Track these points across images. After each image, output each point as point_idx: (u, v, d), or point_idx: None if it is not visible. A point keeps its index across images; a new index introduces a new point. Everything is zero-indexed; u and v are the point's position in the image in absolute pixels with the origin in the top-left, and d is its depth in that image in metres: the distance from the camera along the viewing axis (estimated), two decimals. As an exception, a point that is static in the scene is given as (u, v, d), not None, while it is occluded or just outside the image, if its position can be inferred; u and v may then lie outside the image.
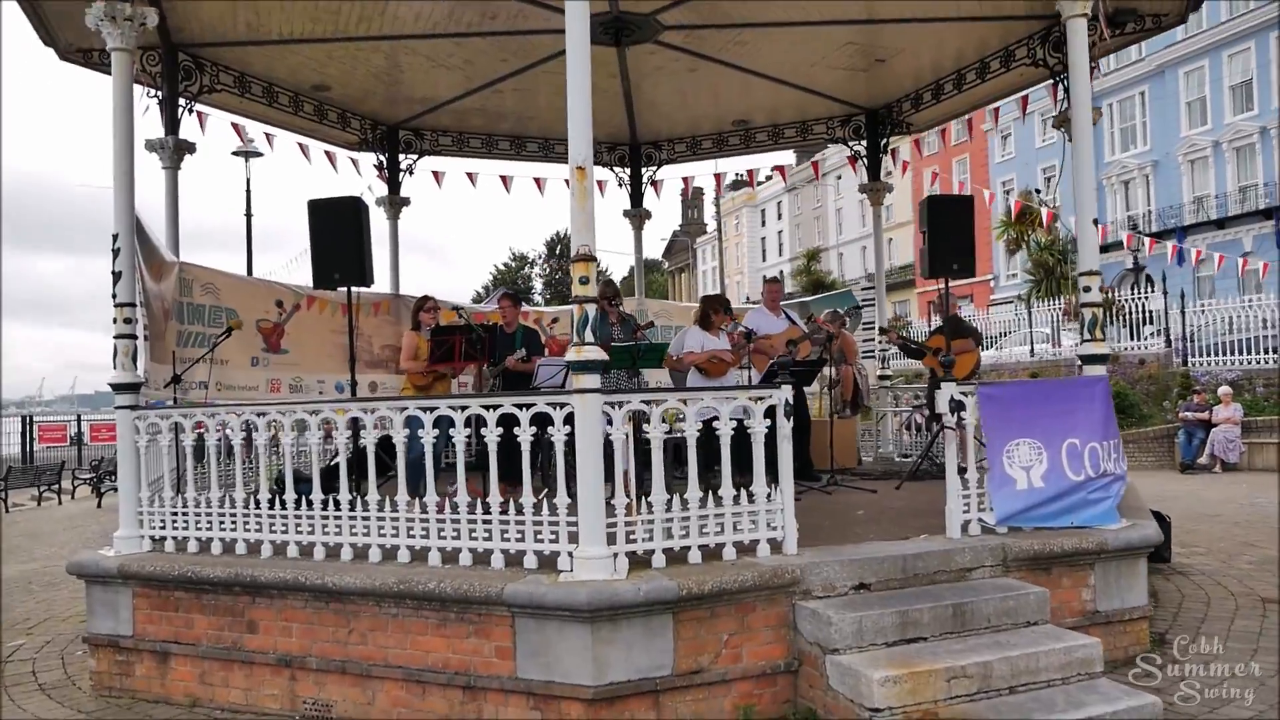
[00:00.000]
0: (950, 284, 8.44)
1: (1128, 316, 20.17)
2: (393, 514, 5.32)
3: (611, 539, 4.73)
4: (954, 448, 5.56)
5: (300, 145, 10.35)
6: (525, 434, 4.90)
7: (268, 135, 10.05)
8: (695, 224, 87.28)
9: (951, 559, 5.24)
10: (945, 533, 5.56)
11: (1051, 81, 9.07)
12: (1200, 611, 6.43)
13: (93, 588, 6.20)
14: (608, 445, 4.80)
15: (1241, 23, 35.09)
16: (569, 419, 4.79)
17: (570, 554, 4.74)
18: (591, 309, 4.72)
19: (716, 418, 5.04)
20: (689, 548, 4.90)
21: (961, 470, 5.58)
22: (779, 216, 71.49)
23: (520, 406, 4.90)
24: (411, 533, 5.26)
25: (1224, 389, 15.76)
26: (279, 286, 9.94)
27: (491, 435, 4.97)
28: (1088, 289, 6.14)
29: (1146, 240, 19.35)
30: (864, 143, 11.58)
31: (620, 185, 12.76)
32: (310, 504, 5.56)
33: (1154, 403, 17.13)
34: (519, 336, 7.94)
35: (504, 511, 5.01)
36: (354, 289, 7.96)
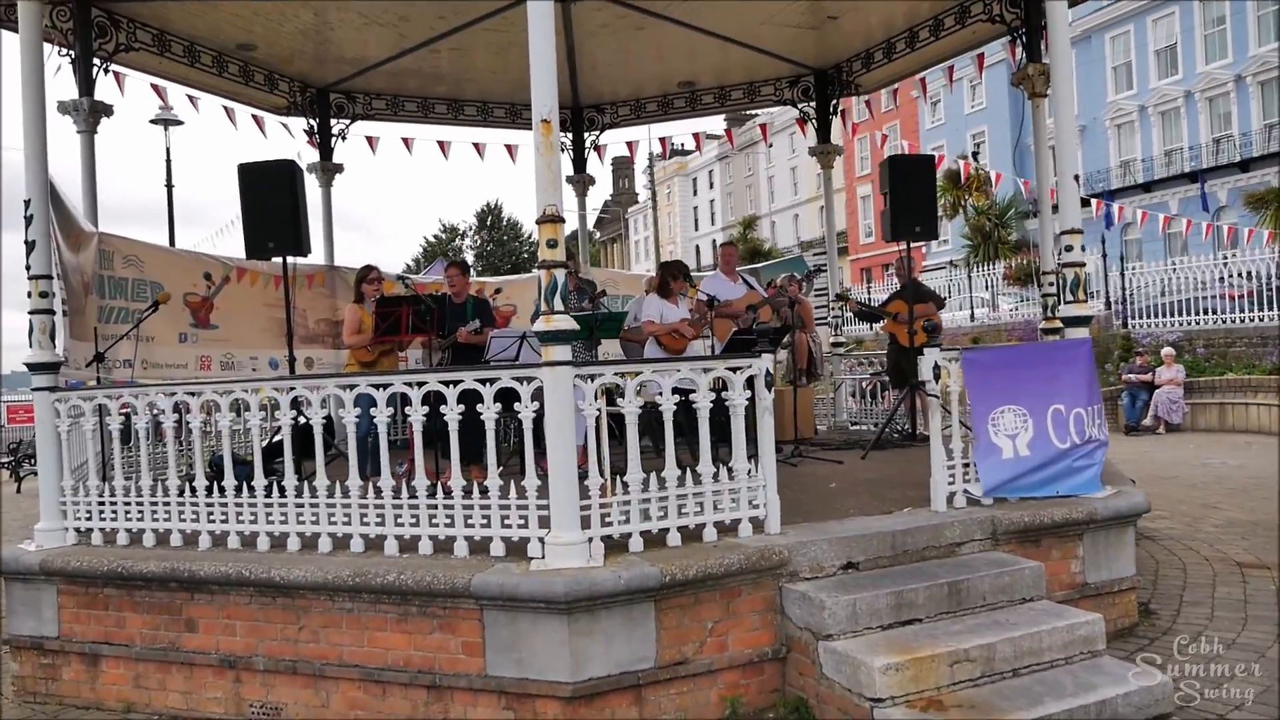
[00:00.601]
0: (882, 249, 8.25)
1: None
2: (344, 500, 4.87)
3: (586, 522, 4.38)
4: (938, 416, 5.32)
5: (226, 109, 9.69)
6: (489, 411, 4.52)
7: (190, 98, 9.37)
8: (626, 194, 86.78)
9: (941, 533, 5.01)
10: (930, 505, 5.33)
11: (1009, 38, 8.90)
12: (1179, 579, 6.34)
13: (13, 585, 5.67)
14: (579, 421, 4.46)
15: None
16: (537, 394, 4.44)
17: (542, 540, 4.38)
18: (560, 275, 4.34)
19: (691, 390, 4.73)
20: (668, 530, 4.58)
21: (946, 437, 5.35)
22: (710, 185, 71.30)
23: (483, 382, 4.51)
24: (365, 519, 4.83)
25: (1167, 350, 15.95)
26: (207, 258, 9.32)
27: (452, 413, 4.57)
28: (1069, 248, 5.94)
29: (1094, 202, 19.44)
30: (813, 104, 11.34)
31: (562, 150, 12.28)
32: (252, 490, 5.10)
33: (1096, 365, 17.31)
34: (469, 307, 7.51)
35: (467, 495, 4.63)
36: (289, 259, 7.46)
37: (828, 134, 11.41)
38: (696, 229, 71.64)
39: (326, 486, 4.91)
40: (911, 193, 8.09)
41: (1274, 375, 15.46)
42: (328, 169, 10.74)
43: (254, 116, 10.11)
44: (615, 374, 4.54)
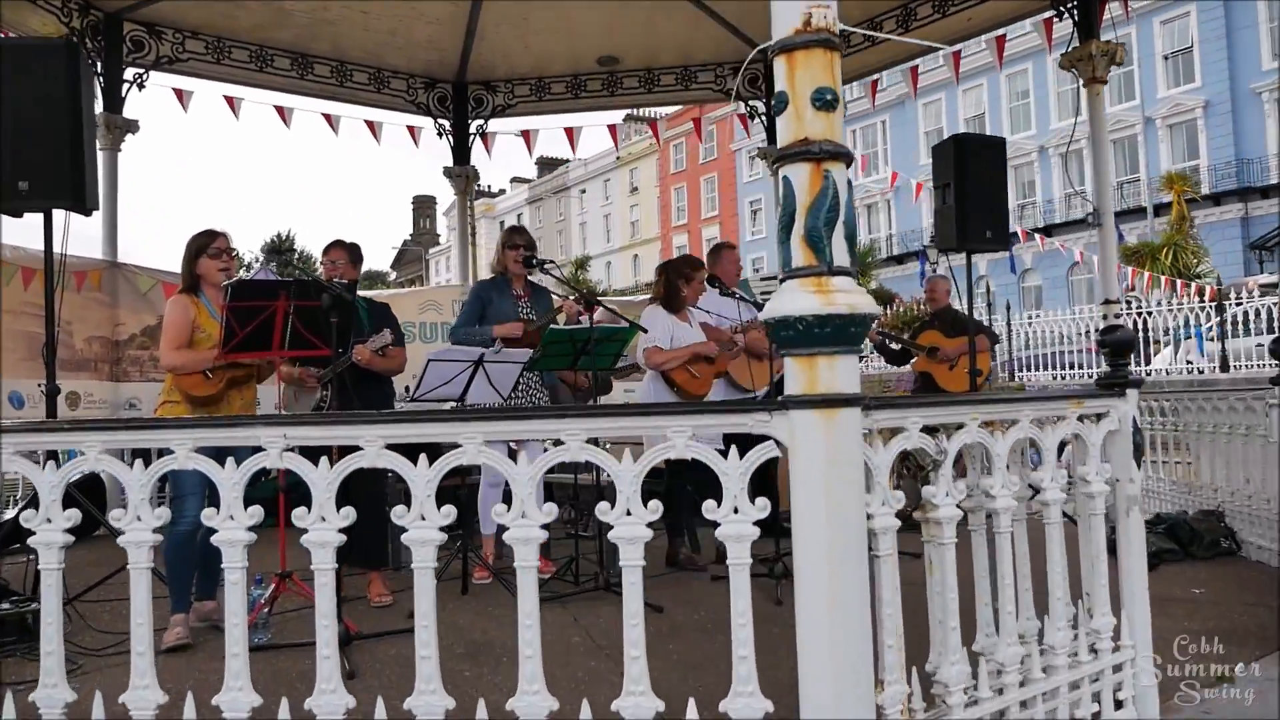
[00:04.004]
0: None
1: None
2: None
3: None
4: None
5: (-47, 4, 6.34)
6: (630, 524, 1.84)
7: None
8: (427, 234, 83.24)
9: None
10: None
11: (1052, 12, 7.14)
12: None
13: None
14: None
15: (974, 60, 35.95)
16: (762, 472, 1.82)
17: None
18: (840, 175, 1.75)
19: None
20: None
21: None
22: (520, 229, 68.95)
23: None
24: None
25: (1073, 405, 14.88)
26: (-95, 231, 5.89)
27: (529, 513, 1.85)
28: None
29: (1037, 237, 18.61)
30: (763, 99, 9.22)
31: (440, 135, 9.58)
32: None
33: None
34: (363, 313, 4.63)
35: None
36: (57, 225, 4.36)
37: (780, 133, 9.27)
38: (503, 273, 68.84)
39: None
40: (982, 186, 6.00)
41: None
42: (116, 125, 7.46)
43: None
44: (924, 428, 1.96)
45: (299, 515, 1.79)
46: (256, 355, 3.81)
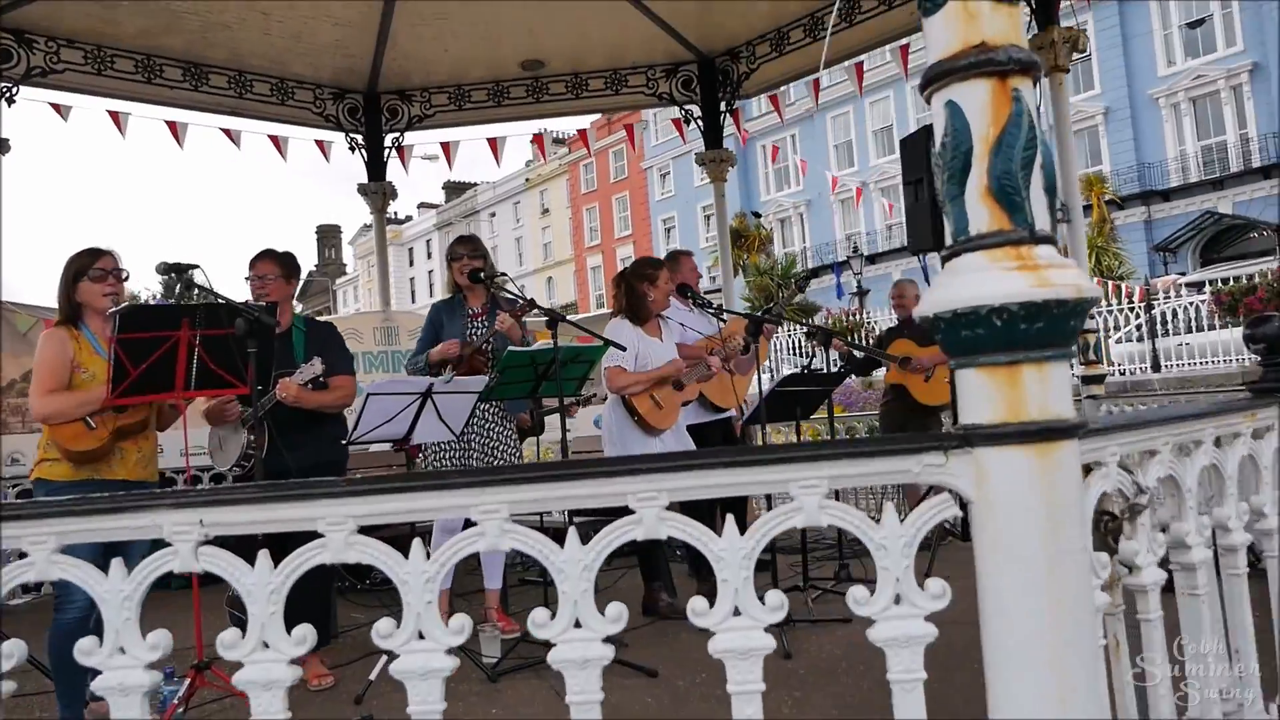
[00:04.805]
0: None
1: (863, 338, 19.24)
2: None
3: None
4: None
5: None
6: (740, 631, 1.24)
7: None
8: (333, 264, 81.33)
9: None
10: None
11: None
12: None
13: None
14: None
15: (880, 74, 36.94)
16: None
17: None
18: (1031, 99, 1.20)
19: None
20: None
21: None
22: (429, 255, 67.56)
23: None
24: None
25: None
26: None
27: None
28: None
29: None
30: (698, 101, 8.76)
31: (352, 150, 8.85)
32: None
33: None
34: (297, 338, 3.92)
35: None
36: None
37: (719, 137, 8.81)
38: (414, 301, 67.39)
39: None
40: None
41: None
42: (-21, 144, 6.58)
43: None
44: (1124, 455, 1.43)
45: (228, 644, 1.15)
46: (154, 398, 3.09)
